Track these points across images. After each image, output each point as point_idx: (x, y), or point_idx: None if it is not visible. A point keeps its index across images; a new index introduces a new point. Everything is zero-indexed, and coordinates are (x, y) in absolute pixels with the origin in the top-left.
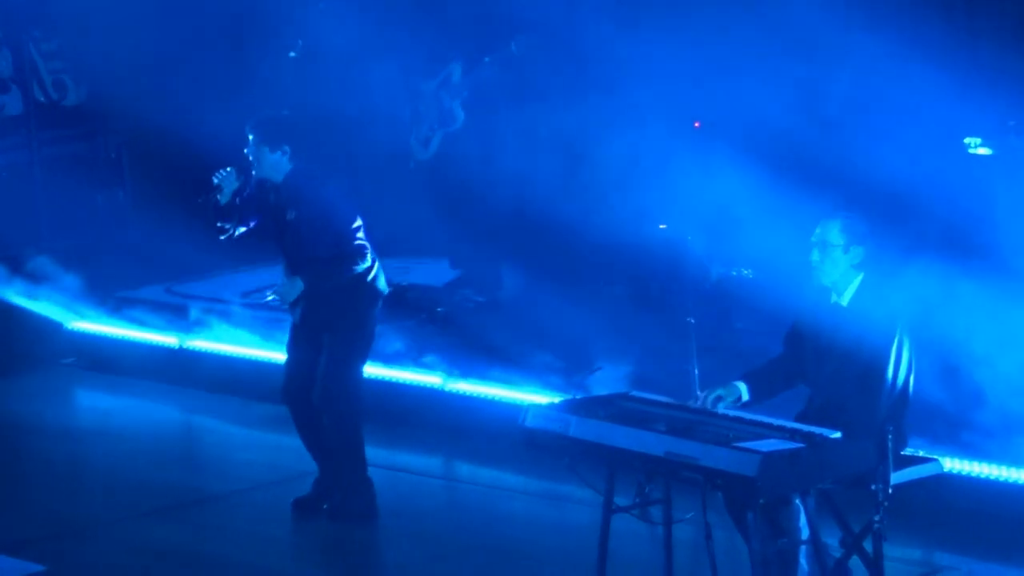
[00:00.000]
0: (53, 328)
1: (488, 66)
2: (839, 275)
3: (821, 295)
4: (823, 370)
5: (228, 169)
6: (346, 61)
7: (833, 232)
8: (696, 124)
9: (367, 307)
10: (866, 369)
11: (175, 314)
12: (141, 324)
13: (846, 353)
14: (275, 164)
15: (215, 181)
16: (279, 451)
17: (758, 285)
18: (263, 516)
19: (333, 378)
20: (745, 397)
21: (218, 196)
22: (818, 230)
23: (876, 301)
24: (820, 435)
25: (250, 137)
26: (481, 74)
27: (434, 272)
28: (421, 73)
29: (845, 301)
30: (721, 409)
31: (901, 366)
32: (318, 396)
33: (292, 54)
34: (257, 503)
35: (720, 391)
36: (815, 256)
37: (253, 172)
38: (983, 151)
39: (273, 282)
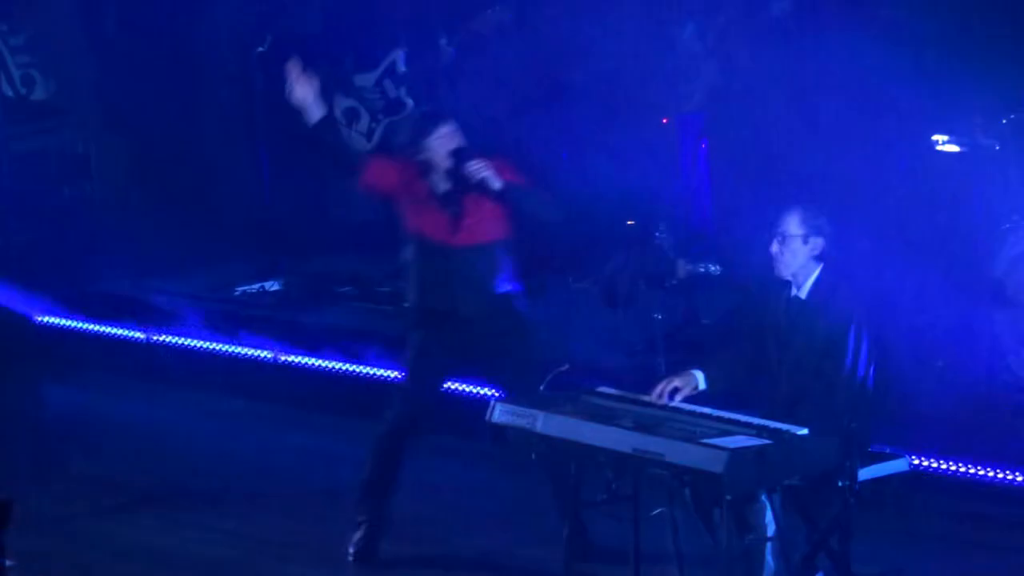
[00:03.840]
0: (20, 323)
1: (445, 48)
2: (799, 266)
3: (782, 289)
4: (784, 364)
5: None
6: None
7: (792, 223)
8: (664, 120)
9: None
10: (824, 361)
11: (143, 309)
12: (109, 319)
13: (805, 346)
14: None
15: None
16: (246, 446)
17: (725, 281)
18: (230, 511)
19: None
20: (702, 386)
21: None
22: (778, 222)
23: (833, 293)
24: (787, 432)
25: None
26: (435, 56)
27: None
28: (356, 67)
29: (804, 294)
30: (678, 400)
31: (859, 358)
32: None
33: (260, 49)
34: (224, 498)
35: (677, 381)
36: (775, 247)
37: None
38: (951, 148)
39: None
